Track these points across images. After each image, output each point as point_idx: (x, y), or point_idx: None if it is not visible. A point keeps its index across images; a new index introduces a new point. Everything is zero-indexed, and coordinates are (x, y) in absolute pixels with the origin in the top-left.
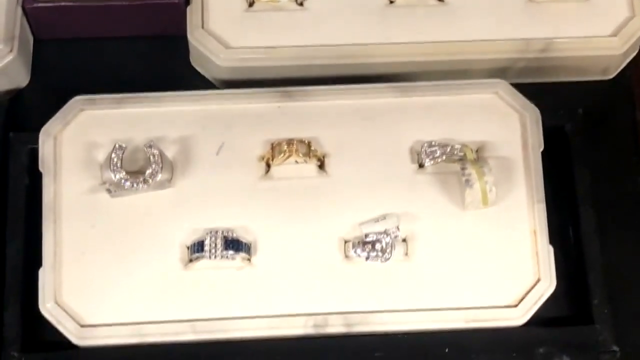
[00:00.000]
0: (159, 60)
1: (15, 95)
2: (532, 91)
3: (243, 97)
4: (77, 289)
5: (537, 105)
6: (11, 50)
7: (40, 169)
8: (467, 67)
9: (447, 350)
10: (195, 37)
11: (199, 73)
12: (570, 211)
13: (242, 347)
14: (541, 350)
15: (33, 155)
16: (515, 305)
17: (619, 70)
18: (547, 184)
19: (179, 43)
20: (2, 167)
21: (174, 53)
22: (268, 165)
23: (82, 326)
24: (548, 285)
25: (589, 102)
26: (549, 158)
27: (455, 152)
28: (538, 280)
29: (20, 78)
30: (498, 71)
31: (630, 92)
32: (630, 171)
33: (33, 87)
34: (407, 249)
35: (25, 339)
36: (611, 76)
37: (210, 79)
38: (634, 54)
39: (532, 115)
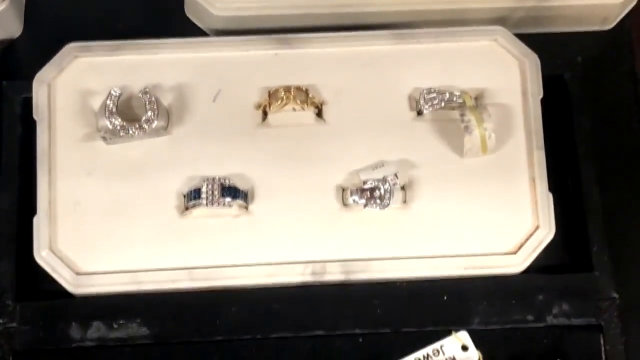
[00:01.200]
0: (153, 10)
1: (8, 45)
2: (531, 41)
3: (240, 45)
4: (72, 237)
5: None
6: (3, 0)
7: (34, 116)
8: (465, 17)
9: (445, 297)
10: None
11: (193, 24)
12: (570, 159)
13: (239, 295)
14: (540, 297)
15: (26, 105)
16: (514, 252)
17: (618, 20)
18: (546, 132)
19: None
20: None
21: (169, 2)
22: (265, 113)
23: (78, 274)
24: (547, 233)
25: (588, 52)
26: (548, 107)
27: (454, 99)
28: (537, 228)
29: (13, 28)
30: (496, 21)
31: (630, 41)
32: (629, 120)
33: (26, 37)
34: (405, 197)
35: (20, 287)
36: (610, 26)
37: (205, 29)
38: (633, 3)
39: (532, 61)
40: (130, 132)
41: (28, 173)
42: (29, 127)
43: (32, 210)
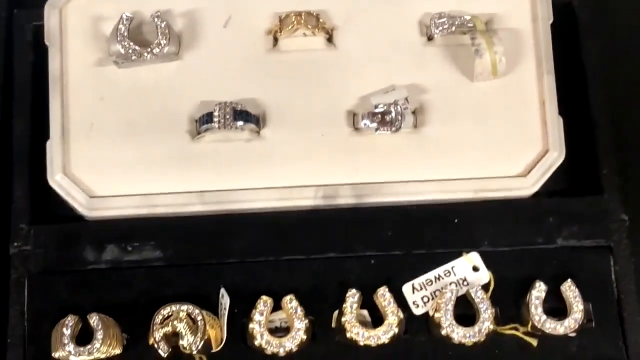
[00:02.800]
0: None
1: None
2: None
3: None
4: (85, 161)
5: None
6: None
7: (46, 41)
8: None
9: (456, 220)
10: None
11: None
12: (579, 84)
13: (251, 218)
14: (550, 219)
15: (38, 32)
16: (524, 175)
17: None
18: (556, 58)
19: None
20: (7, 45)
21: None
22: (276, 39)
23: (92, 197)
24: (557, 156)
25: None
26: (557, 34)
27: (464, 23)
28: (547, 151)
29: None
30: None
31: None
32: (638, 44)
33: None
34: (416, 121)
35: (34, 212)
36: None
37: None
38: None
39: None
40: (142, 56)
41: (41, 99)
42: (41, 54)
43: (45, 136)
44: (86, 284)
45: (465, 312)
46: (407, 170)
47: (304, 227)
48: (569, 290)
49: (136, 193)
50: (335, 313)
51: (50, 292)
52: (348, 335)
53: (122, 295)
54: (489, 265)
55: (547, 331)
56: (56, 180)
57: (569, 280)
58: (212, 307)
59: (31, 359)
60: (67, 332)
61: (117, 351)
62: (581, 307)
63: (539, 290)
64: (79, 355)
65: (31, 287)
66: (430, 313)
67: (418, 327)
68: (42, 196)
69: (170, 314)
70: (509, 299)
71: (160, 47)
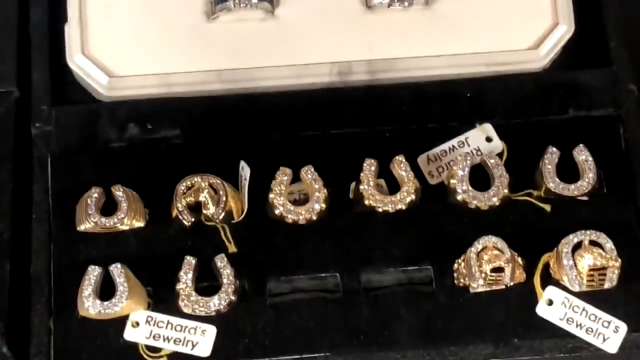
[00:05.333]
0: None
1: None
2: None
3: None
4: (103, 41)
5: None
6: None
7: None
8: None
9: (469, 95)
10: None
11: None
12: None
13: (267, 97)
14: (561, 91)
15: None
16: (535, 48)
17: None
18: None
19: None
20: None
21: None
22: None
23: (111, 77)
24: (567, 29)
25: None
26: None
27: None
28: (557, 24)
29: None
30: None
31: None
32: None
33: None
34: None
35: (54, 94)
36: None
37: None
38: None
39: None
40: None
41: None
42: None
43: (62, 21)
44: (108, 162)
45: (480, 181)
46: (420, 45)
47: (320, 103)
48: (581, 153)
49: (155, 72)
50: (353, 184)
51: (73, 170)
52: (366, 202)
53: (143, 172)
54: (501, 137)
55: (561, 192)
56: (75, 61)
57: (580, 144)
58: (232, 182)
59: (57, 233)
60: (91, 203)
61: (141, 224)
62: (593, 168)
63: (552, 154)
64: (104, 225)
65: (54, 165)
66: (446, 182)
67: (434, 197)
68: (61, 80)
69: (192, 184)
70: (522, 168)
71: None
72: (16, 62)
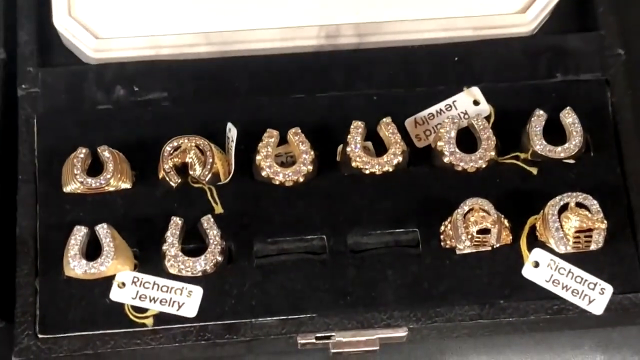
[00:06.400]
0: None
1: None
2: None
3: None
4: (90, 2)
5: None
6: None
7: None
8: None
9: (456, 58)
10: None
11: None
12: None
13: (255, 60)
14: (549, 55)
15: None
16: (524, 12)
17: None
18: None
19: None
20: None
21: None
22: None
23: (98, 39)
24: None
25: None
26: None
27: None
28: None
29: None
30: None
31: None
32: None
33: None
34: None
35: (40, 56)
36: None
37: None
38: None
39: None
40: None
41: None
42: None
43: None
44: (94, 124)
45: (466, 144)
46: (407, 8)
47: (308, 67)
48: (568, 116)
49: (142, 34)
50: (340, 147)
51: (59, 131)
52: (353, 164)
53: (129, 134)
54: (489, 100)
55: (548, 155)
56: (62, 22)
57: (567, 107)
58: (219, 144)
59: (42, 194)
60: (78, 163)
61: (127, 185)
62: (580, 131)
63: (539, 116)
64: (90, 186)
65: (40, 126)
66: (433, 145)
67: (421, 160)
68: (48, 42)
69: (179, 145)
70: (509, 132)
71: None
72: (2, 24)
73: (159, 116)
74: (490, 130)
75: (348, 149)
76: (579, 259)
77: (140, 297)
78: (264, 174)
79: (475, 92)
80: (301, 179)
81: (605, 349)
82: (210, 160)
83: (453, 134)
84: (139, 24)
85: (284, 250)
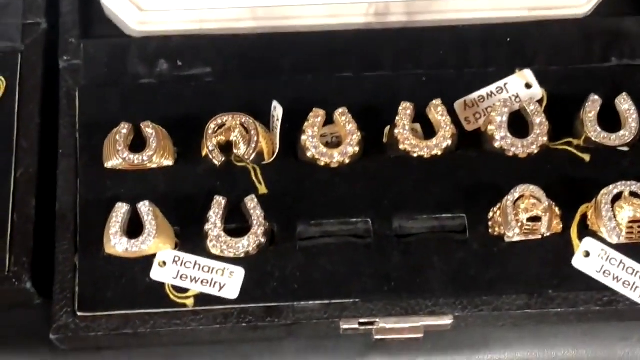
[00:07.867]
0: None
1: None
2: None
3: None
4: None
5: None
6: None
7: None
8: None
9: (509, 39)
10: None
11: None
12: None
13: (302, 36)
14: (605, 39)
15: None
16: None
17: None
18: None
19: None
20: None
21: None
22: None
23: (142, 11)
24: None
25: None
26: None
27: None
28: None
29: None
30: None
31: None
32: None
33: None
34: None
35: (83, 27)
36: None
37: None
38: None
39: None
40: None
41: None
42: None
43: None
44: (137, 98)
45: (518, 129)
46: None
47: (355, 45)
48: (624, 102)
49: (186, 8)
50: (387, 128)
51: (101, 105)
52: (401, 147)
53: (172, 110)
54: (542, 84)
55: (602, 142)
56: None
57: (623, 93)
58: (262, 123)
59: (83, 169)
60: (120, 139)
61: (170, 162)
62: (636, 118)
63: (594, 102)
64: (132, 162)
65: (82, 99)
66: (483, 128)
67: (469, 143)
68: (90, 14)
69: (223, 123)
70: (561, 116)
71: None
72: None
73: (202, 92)
74: (543, 114)
75: (396, 131)
76: (631, 249)
77: (181, 277)
78: (309, 154)
79: (528, 75)
80: (347, 161)
81: None
82: (255, 138)
83: (505, 118)
84: None
85: (327, 232)
